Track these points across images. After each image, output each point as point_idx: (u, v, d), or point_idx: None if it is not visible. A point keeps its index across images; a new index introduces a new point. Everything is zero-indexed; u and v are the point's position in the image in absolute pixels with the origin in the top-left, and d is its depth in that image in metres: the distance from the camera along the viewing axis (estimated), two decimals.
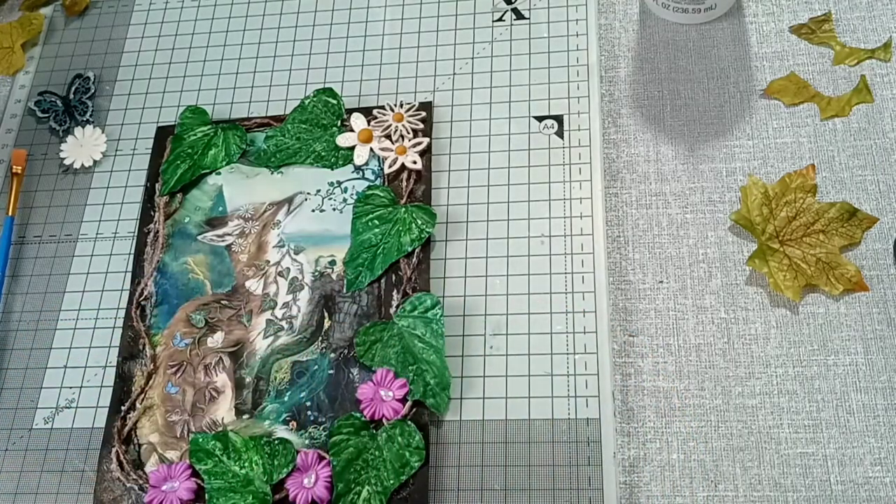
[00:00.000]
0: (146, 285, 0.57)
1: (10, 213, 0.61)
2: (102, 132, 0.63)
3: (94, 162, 0.62)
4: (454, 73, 0.60)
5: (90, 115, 0.64)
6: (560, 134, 0.57)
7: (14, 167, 0.63)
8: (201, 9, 0.67)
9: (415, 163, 0.57)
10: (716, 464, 0.47)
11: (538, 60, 0.60)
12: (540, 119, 0.58)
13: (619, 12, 0.61)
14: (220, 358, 0.54)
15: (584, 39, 0.60)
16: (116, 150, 0.63)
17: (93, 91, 0.65)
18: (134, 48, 0.67)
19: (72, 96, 0.65)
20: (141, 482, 0.51)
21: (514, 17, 0.62)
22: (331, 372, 0.52)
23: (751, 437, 0.47)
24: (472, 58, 0.61)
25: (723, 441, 0.48)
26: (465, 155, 0.57)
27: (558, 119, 0.57)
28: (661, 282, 0.52)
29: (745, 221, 0.52)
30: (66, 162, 0.63)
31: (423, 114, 0.59)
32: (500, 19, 0.62)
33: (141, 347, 0.55)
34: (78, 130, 0.64)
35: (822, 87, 0.56)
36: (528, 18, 0.61)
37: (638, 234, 0.54)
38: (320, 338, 0.54)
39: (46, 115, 0.65)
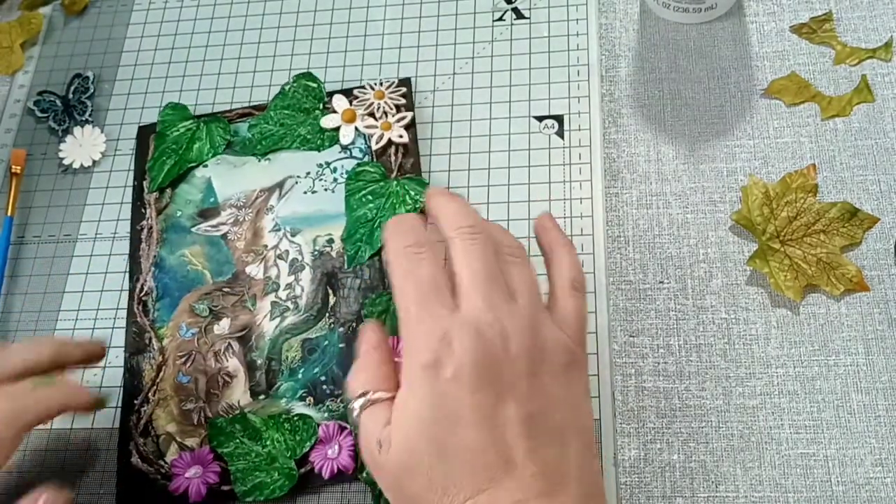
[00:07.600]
0: (145, 281, 0.57)
1: (9, 213, 0.61)
2: (101, 132, 0.63)
3: (94, 162, 0.62)
4: (454, 73, 0.60)
5: (89, 115, 0.64)
6: (560, 134, 0.57)
7: (13, 167, 0.62)
8: (200, 8, 0.67)
9: (401, 137, 0.57)
10: (717, 464, 0.47)
11: (538, 60, 0.60)
12: (540, 119, 0.57)
13: (619, 12, 0.60)
14: (229, 343, 0.54)
15: (585, 39, 0.59)
16: (115, 150, 0.62)
17: (92, 91, 0.65)
18: (133, 48, 0.67)
19: (71, 96, 0.65)
20: (164, 471, 0.51)
21: (514, 16, 0.62)
22: (342, 346, 0.53)
23: (751, 438, 0.47)
24: (472, 57, 0.61)
25: (723, 441, 0.47)
26: (465, 155, 0.57)
27: (558, 119, 0.57)
28: (662, 282, 0.52)
29: (746, 221, 0.52)
30: (66, 162, 0.62)
31: (404, 89, 0.59)
32: (500, 19, 0.62)
33: (147, 341, 0.55)
34: (77, 130, 0.64)
35: (822, 87, 0.56)
36: (529, 18, 0.61)
37: (638, 235, 0.53)
38: (327, 314, 0.54)
39: (45, 114, 0.65)
